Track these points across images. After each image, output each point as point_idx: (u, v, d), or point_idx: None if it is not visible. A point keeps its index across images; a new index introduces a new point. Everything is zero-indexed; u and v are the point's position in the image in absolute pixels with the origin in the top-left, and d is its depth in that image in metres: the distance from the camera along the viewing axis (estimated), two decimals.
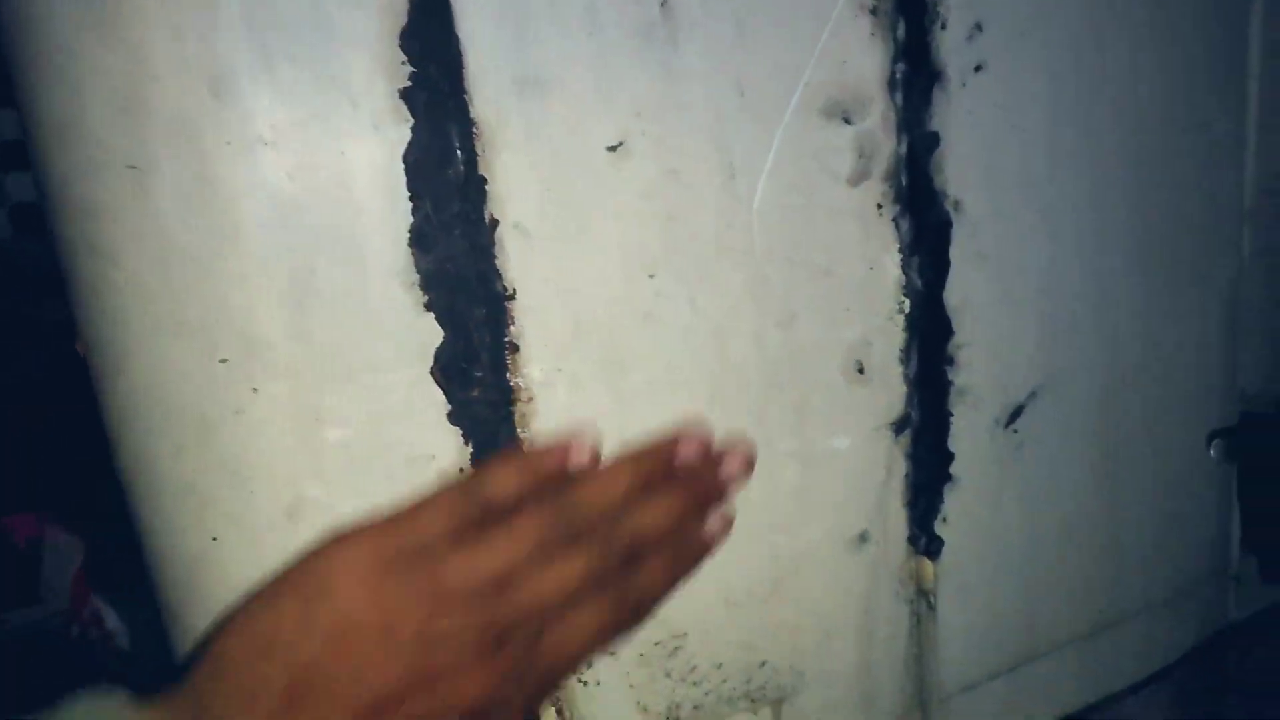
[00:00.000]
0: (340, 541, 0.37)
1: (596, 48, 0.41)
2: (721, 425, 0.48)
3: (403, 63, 0.39)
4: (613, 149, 0.43)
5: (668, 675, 0.50)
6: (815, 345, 0.49)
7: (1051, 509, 0.59)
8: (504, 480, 0.40)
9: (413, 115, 0.39)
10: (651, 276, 0.45)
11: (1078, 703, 0.63)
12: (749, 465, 0.44)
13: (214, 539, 0.43)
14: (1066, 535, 0.60)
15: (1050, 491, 0.58)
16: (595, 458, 0.42)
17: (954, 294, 0.52)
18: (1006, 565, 0.58)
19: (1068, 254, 0.55)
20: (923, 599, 0.56)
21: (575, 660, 0.40)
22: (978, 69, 0.50)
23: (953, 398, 0.54)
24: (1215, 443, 0.59)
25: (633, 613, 0.41)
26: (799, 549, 0.51)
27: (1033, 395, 0.57)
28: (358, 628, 0.35)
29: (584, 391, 0.45)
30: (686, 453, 0.43)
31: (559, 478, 0.41)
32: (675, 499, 0.42)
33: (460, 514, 0.38)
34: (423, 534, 0.38)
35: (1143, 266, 0.58)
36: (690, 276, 0.45)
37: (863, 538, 0.53)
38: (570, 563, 0.38)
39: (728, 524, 0.44)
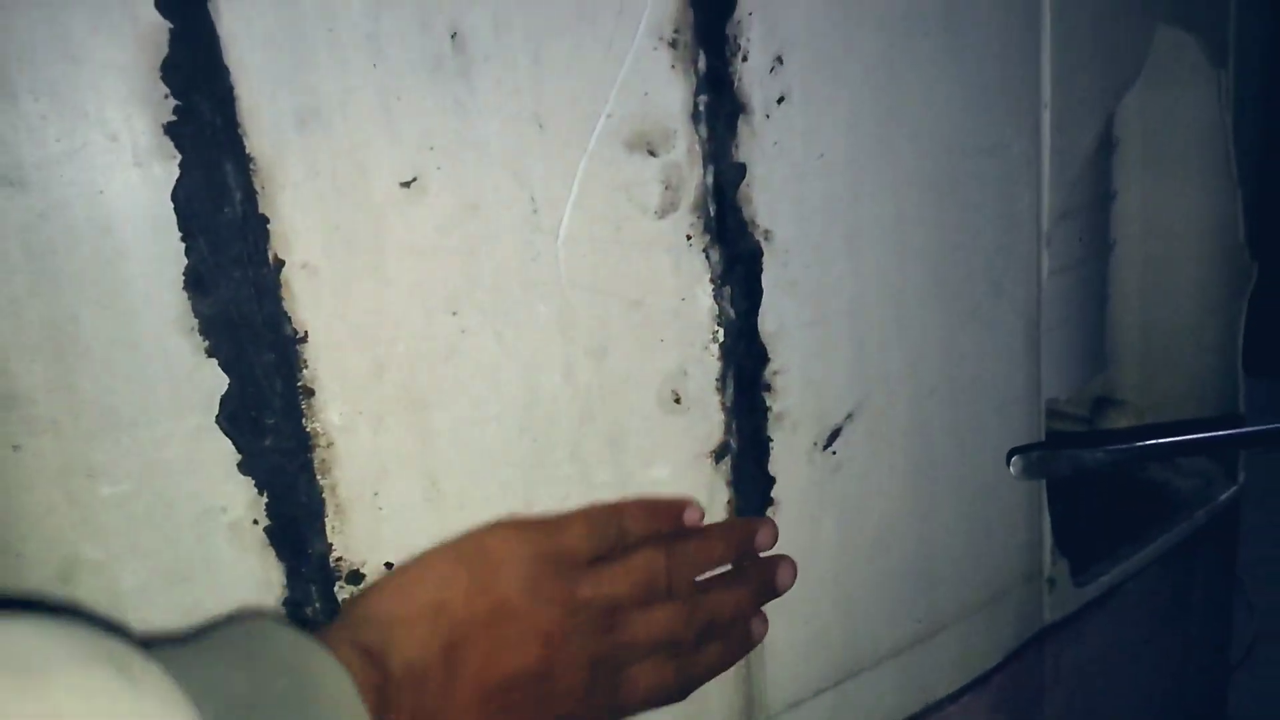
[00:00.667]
0: (508, 529, 0.43)
1: (381, 79, 0.40)
2: (532, 459, 0.47)
3: (166, 95, 0.36)
4: (406, 184, 0.41)
5: None
6: (629, 376, 0.49)
7: (867, 526, 0.60)
8: (637, 519, 0.46)
9: (180, 151, 0.37)
10: (454, 313, 0.43)
11: (900, 713, 0.64)
12: (794, 577, 0.53)
13: None
14: (883, 550, 0.62)
15: (865, 509, 0.60)
16: (700, 520, 0.49)
17: (768, 321, 0.53)
18: (826, 583, 0.59)
19: (872, 277, 0.57)
20: None
21: (629, 709, 0.44)
22: (780, 100, 0.51)
23: (771, 423, 0.54)
24: (1014, 459, 0.62)
25: (681, 686, 0.47)
26: None
27: (849, 417, 0.58)
28: (512, 611, 0.40)
29: (388, 433, 0.43)
30: (763, 540, 0.52)
31: (672, 530, 0.47)
32: (749, 588, 0.49)
33: (600, 537, 0.44)
34: (570, 545, 0.43)
35: (943, 286, 0.61)
36: (495, 311, 0.44)
37: None
38: (663, 614, 0.44)
39: (765, 628, 0.52)
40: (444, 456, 0.44)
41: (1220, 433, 0.64)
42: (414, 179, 0.41)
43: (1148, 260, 0.90)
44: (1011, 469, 0.61)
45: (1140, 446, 0.60)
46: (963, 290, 0.63)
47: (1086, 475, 0.57)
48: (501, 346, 0.45)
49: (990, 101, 0.61)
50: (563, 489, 0.48)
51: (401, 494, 0.43)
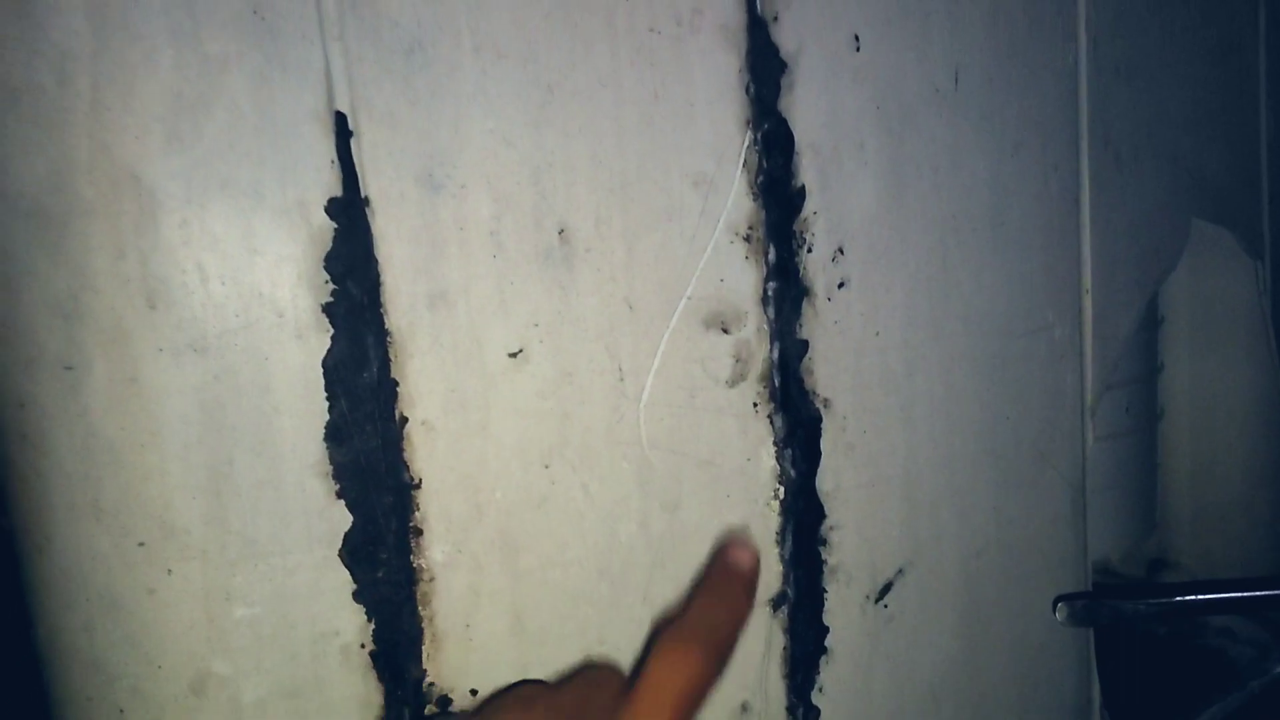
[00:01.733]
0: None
1: (499, 268, 0.47)
2: (608, 600, 0.52)
3: (326, 281, 0.44)
4: (513, 355, 0.48)
5: None
6: (698, 528, 0.54)
7: (918, 678, 0.63)
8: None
9: (333, 326, 0.44)
10: (546, 466, 0.49)
11: None
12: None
13: (120, 711, 0.44)
14: (933, 702, 0.64)
15: (916, 662, 0.63)
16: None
17: (825, 480, 0.58)
18: None
19: (924, 442, 0.62)
20: None
21: None
22: (841, 285, 0.57)
23: (826, 576, 0.59)
24: (1060, 606, 0.65)
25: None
26: None
27: (900, 572, 0.62)
28: None
29: (483, 571, 0.49)
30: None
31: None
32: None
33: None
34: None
35: (992, 454, 0.65)
36: (582, 466, 0.50)
37: (744, 708, 0.57)
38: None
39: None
40: (530, 595, 0.49)
41: (1263, 592, 0.66)
42: (520, 350, 0.48)
43: (1195, 430, 0.93)
44: (1057, 615, 0.64)
45: (1181, 601, 0.62)
46: (1011, 458, 0.67)
47: (1130, 624, 0.60)
48: (587, 498, 0.50)
49: (1034, 288, 0.67)
50: (635, 628, 0.52)
51: (490, 627, 0.48)
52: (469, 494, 0.48)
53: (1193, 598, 0.61)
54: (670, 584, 0.53)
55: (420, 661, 0.47)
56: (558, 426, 0.49)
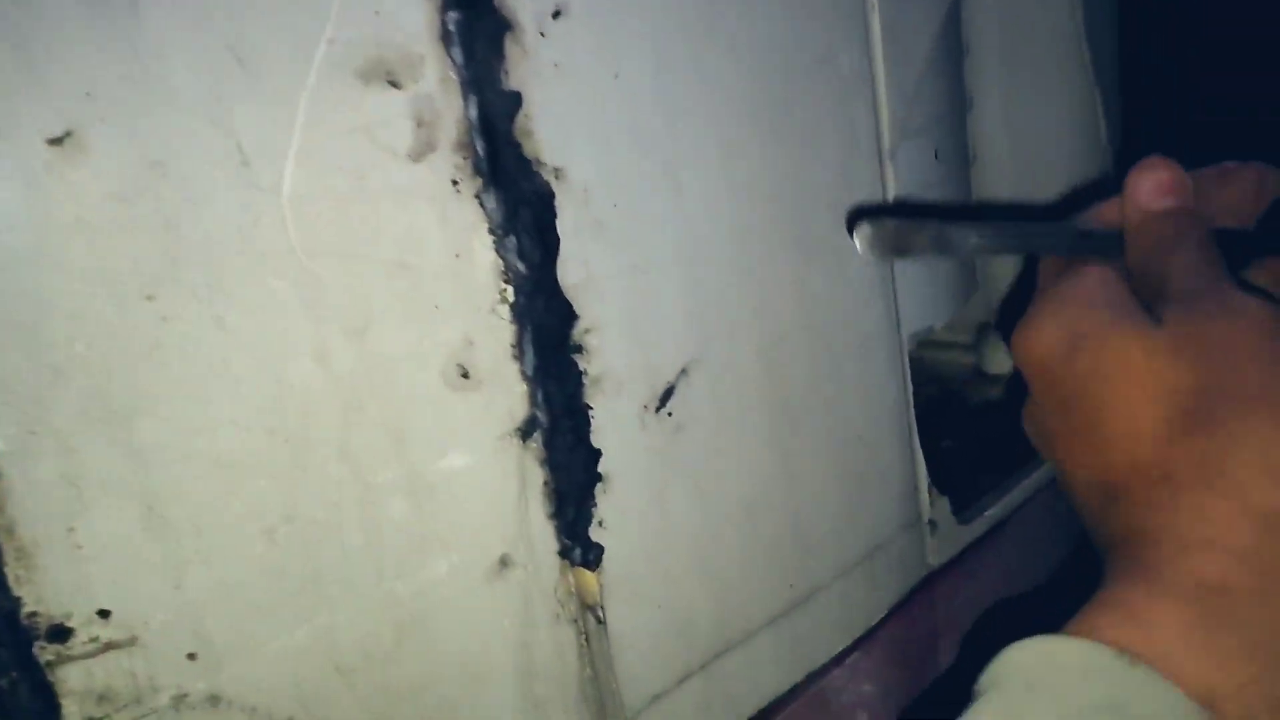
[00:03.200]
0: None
1: (19, 16, 0.31)
2: (289, 464, 0.39)
3: None
4: (56, 141, 0.33)
5: None
6: (401, 354, 0.41)
7: (725, 490, 0.54)
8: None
9: None
10: (150, 299, 0.35)
11: (781, 686, 0.59)
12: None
13: None
14: (745, 515, 0.56)
15: (719, 474, 0.54)
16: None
17: (569, 272, 0.46)
18: (683, 559, 0.53)
19: (698, 213, 0.50)
20: (589, 615, 0.50)
21: None
22: (557, 14, 0.43)
23: (588, 389, 0.48)
24: (860, 228, 0.44)
25: None
26: (423, 591, 0.44)
27: (683, 373, 0.51)
28: None
29: (77, 453, 0.35)
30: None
31: None
32: None
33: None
34: None
35: (785, 219, 0.54)
36: (209, 293, 0.36)
37: (504, 562, 0.46)
38: None
39: None
40: (164, 475, 0.36)
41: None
42: (67, 133, 0.33)
43: (1013, 175, 0.85)
44: (857, 242, 0.44)
45: (1018, 227, 0.45)
46: (807, 223, 0.56)
47: (950, 253, 0.44)
48: (225, 334, 0.37)
49: (813, 8, 0.54)
50: (334, 494, 0.40)
51: (109, 526, 0.35)
52: (30, 353, 0.33)
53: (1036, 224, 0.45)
54: (379, 431, 0.41)
55: (7, 587, 0.34)
56: (158, 241, 0.35)
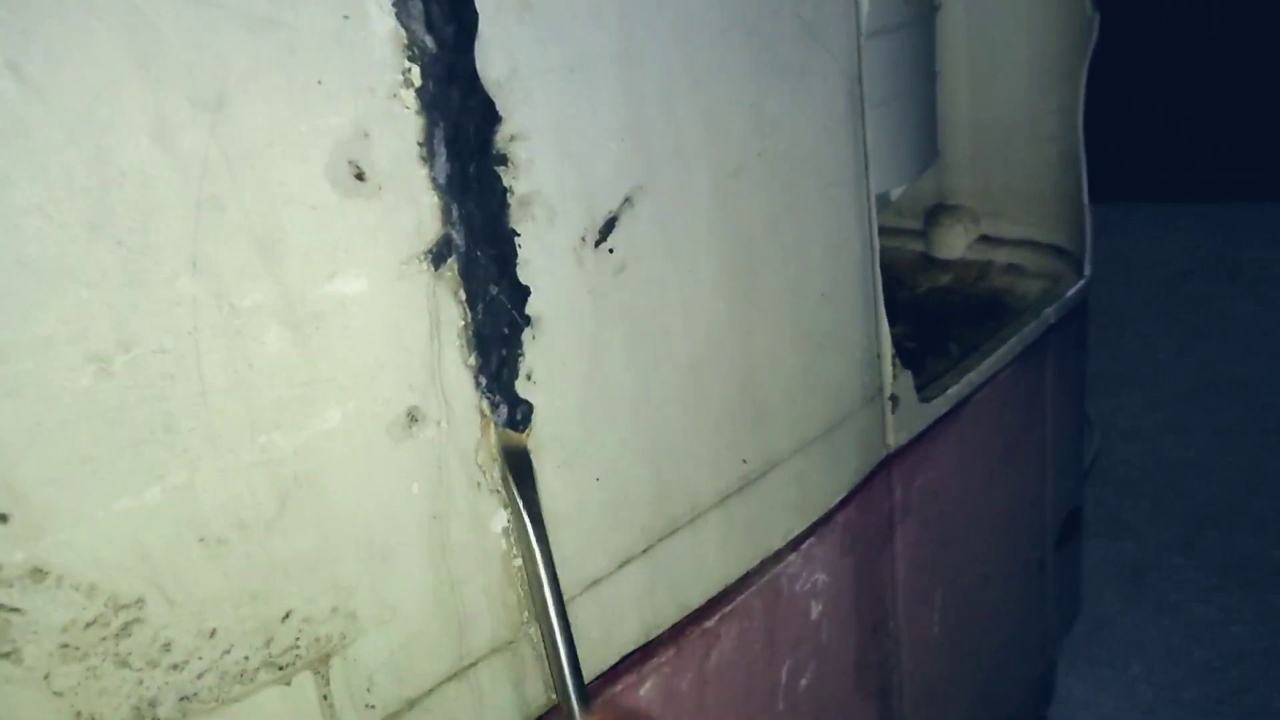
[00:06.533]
0: None
1: None
2: (122, 274, 0.30)
3: None
4: None
5: (124, 664, 0.33)
6: (273, 139, 0.32)
7: (671, 344, 0.47)
8: None
9: None
10: None
11: (732, 573, 0.53)
12: None
13: None
14: (693, 377, 0.48)
15: (665, 326, 0.46)
16: None
17: (493, 64, 0.37)
18: (623, 425, 0.45)
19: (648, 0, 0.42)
20: (515, 484, 0.42)
21: None
22: None
23: (514, 211, 0.39)
24: None
25: None
26: (309, 447, 0.35)
27: (627, 201, 0.43)
28: None
29: None
30: None
31: None
32: None
33: None
34: None
35: (745, 24, 0.46)
36: (6, 29, 0.27)
37: (412, 416, 0.38)
38: None
39: None
40: None
41: None
42: None
43: (975, 26, 0.78)
44: None
45: None
46: (769, 33, 0.48)
47: None
48: (37, 99, 0.27)
49: None
50: (186, 318, 0.32)
51: None
52: None
53: None
54: (244, 239, 0.32)
55: None
56: None
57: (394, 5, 0.34)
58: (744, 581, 0.54)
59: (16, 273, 0.28)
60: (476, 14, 0.36)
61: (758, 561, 0.54)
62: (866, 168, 0.56)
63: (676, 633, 0.50)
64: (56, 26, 0.28)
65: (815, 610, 0.59)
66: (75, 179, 0.29)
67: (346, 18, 0.33)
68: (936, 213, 0.98)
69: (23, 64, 0.27)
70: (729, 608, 0.53)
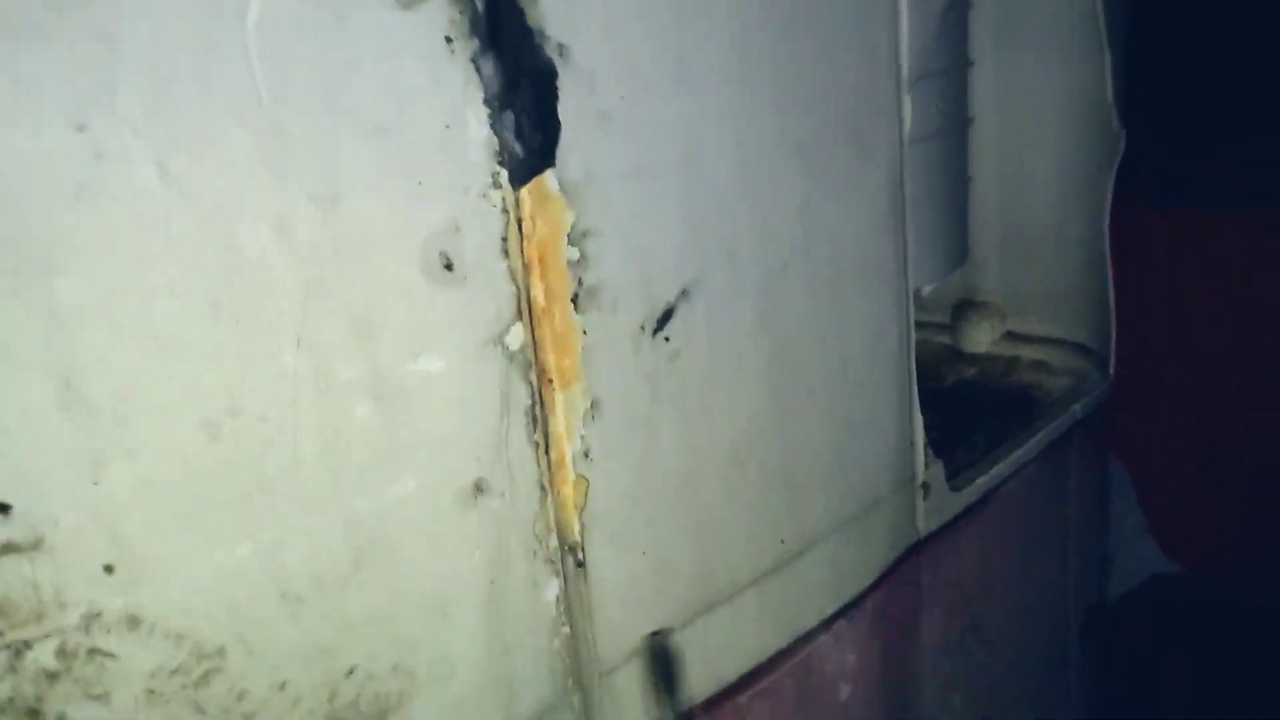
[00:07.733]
0: None
1: None
2: (235, 347, 0.33)
3: None
4: None
5: (201, 711, 0.35)
6: (376, 233, 0.36)
7: (716, 428, 0.49)
8: None
9: None
10: (81, 130, 0.29)
11: (766, 650, 0.54)
12: None
13: None
14: (736, 458, 0.51)
15: (712, 409, 0.49)
16: None
17: (570, 166, 0.40)
18: (668, 501, 0.48)
19: (708, 114, 0.45)
20: (569, 555, 0.45)
21: None
22: None
23: (582, 299, 0.42)
24: None
25: None
26: (385, 511, 0.38)
27: (684, 294, 0.46)
28: None
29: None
30: None
31: None
32: None
33: None
34: None
35: (796, 135, 0.50)
36: (151, 131, 0.30)
37: (479, 487, 0.41)
38: None
39: None
40: (84, 344, 0.30)
41: None
42: None
43: (1004, 137, 0.82)
44: None
45: None
46: (818, 143, 0.52)
47: None
48: (168, 186, 0.31)
49: None
50: (288, 389, 0.35)
51: (14, 400, 0.29)
52: None
53: None
54: (345, 320, 0.35)
55: None
56: (92, 61, 0.29)
57: (489, 116, 0.37)
58: (777, 659, 0.55)
59: (147, 345, 0.32)
60: (559, 124, 0.40)
61: (791, 640, 0.56)
62: (905, 265, 0.59)
63: (710, 706, 0.51)
64: (200, 129, 0.31)
65: (844, 691, 0.60)
66: (204, 262, 0.32)
67: (448, 127, 0.36)
68: (964, 308, 1.01)
69: (169, 162, 0.31)
70: (762, 684, 0.54)
